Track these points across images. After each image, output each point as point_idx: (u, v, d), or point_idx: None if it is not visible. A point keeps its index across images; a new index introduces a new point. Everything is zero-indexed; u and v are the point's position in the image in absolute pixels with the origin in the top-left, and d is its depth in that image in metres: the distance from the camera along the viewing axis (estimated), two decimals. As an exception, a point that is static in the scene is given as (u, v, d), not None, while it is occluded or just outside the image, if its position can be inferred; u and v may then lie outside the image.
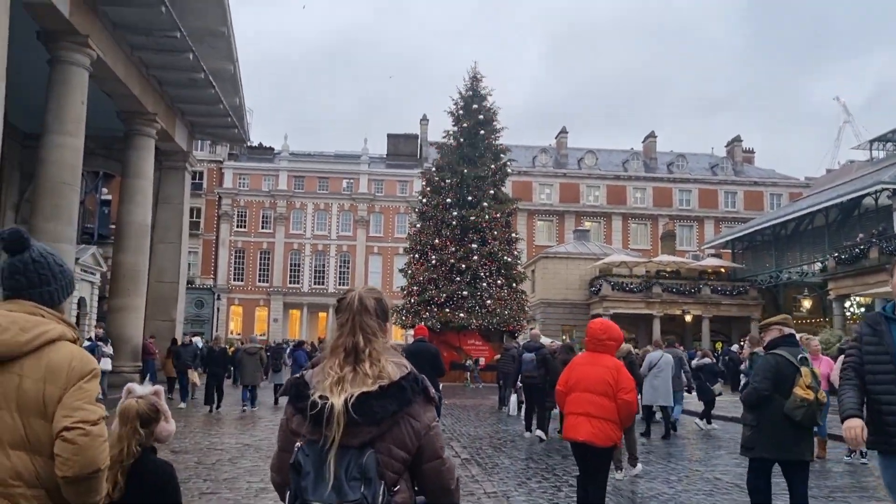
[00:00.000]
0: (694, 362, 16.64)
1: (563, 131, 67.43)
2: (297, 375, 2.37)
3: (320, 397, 2.19)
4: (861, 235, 31.30)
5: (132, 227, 22.49)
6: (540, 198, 61.73)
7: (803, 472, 5.84)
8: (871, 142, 41.42)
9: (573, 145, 67.15)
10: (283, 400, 2.42)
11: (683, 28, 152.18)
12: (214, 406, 18.37)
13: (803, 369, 5.72)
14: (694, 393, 16.15)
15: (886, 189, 31.40)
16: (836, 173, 64.17)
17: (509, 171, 34.52)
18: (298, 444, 2.20)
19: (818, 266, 38.48)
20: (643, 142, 68.44)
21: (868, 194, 32.40)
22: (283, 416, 2.37)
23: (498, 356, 20.83)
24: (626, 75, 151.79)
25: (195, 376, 21.08)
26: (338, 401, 2.15)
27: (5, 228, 2.62)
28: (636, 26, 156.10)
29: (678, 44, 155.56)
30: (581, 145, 67.28)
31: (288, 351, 27.76)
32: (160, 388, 3.16)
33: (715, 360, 19.49)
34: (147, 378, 17.80)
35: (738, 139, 68.97)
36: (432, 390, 2.36)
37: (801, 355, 5.86)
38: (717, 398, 15.71)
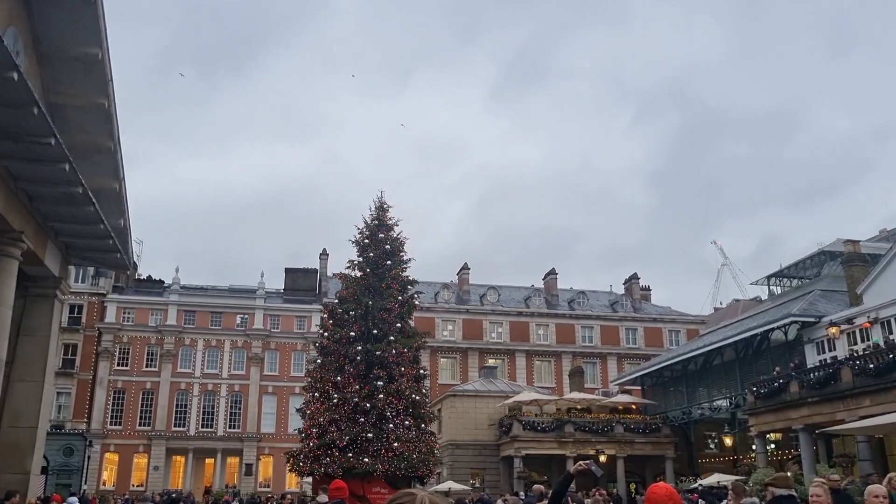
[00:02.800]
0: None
1: (465, 268, 66.95)
2: None
3: None
4: (777, 369, 30.87)
5: (-18, 361, 19.24)
6: (443, 334, 60.21)
7: None
8: (769, 277, 42.32)
9: (475, 282, 66.58)
10: None
11: (600, 189, 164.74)
12: None
13: None
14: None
15: (796, 322, 31.46)
16: (724, 311, 66.03)
17: (417, 303, 32.80)
18: None
19: (727, 402, 37.92)
20: (544, 279, 68.70)
21: (778, 327, 32.37)
22: None
23: None
24: (541, 228, 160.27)
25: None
26: None
27: None
28: (558, 185, 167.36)
29: (594, 202, 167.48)
30: (483, 282, 66.82)
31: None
32: None
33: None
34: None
35: (635, 276, 70.27)
36: None
37: None
38: None
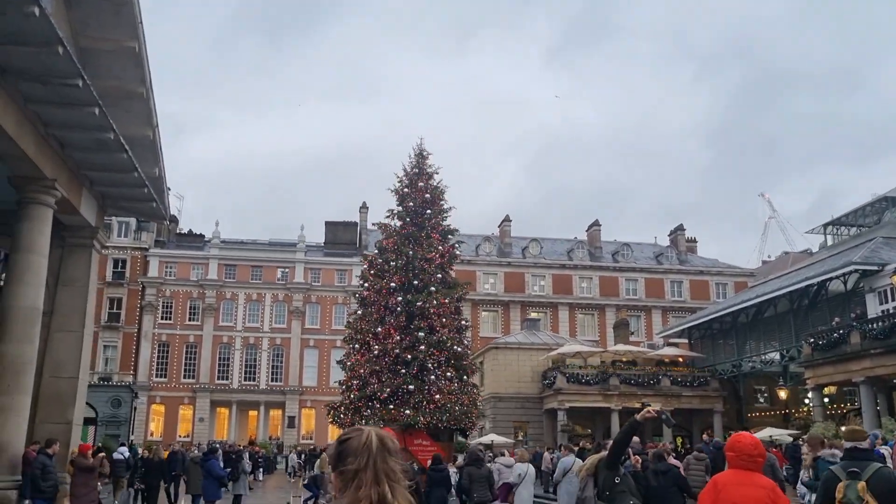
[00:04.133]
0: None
1: (507, 220, 65.93)
2: None
3: None
4: (837, 319, 29.50)
5: (19, 311, 18.88)
6: (484, 287, 59.53)
7: None
8: (825, 225, 40.64)
9: (517, 234, 65.56)
10: None
11: (656, 148, 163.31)
12: None
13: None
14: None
15: (856, 271, 29.96)
16: (773, 264, 64.07)
17: (458, 252, 32.02)
18: None
19: (779, 355, 36.67)
20: (587, 231, 67.43)
21: (837, 276, 30.92)
22: None
23: (460, 464, 16.74)
24: (595, 186, 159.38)
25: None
26: None
27: None
28: (614, 144, 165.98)
29: (649, 161, 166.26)
30: (524, 234, 65.78)
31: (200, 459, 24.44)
32: None
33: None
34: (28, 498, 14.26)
35: (681, 228, 68.58)
36: None
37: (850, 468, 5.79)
38: None
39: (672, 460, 14.77)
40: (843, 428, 20.37)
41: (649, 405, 6.56)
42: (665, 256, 64.70)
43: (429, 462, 26.84)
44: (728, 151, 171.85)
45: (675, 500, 9.67)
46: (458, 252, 32.01)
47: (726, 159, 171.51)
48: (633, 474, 6.81)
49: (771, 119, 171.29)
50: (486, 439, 33.21)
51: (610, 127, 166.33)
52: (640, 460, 7.01)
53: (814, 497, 8.91)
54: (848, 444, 6.10)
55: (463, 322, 30.77)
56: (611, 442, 6.89)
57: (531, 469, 14.15)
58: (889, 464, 8.78)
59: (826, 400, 32.00)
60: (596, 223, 66.92)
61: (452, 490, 14.37)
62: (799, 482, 9.81)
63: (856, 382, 26.87)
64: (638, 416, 6.41)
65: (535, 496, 15.89)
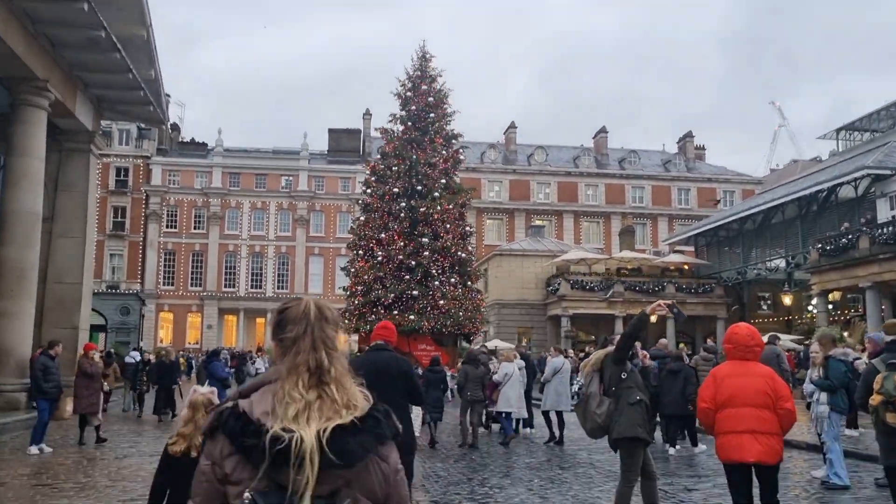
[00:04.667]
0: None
1: (512, 126, 64.86)
2: (230, 405, 1.87)
3: (283, 430, 1.75)
4: (846, 225, 29.10)
5: (18, 216, 18.77)
6: (489, 195, 59.08)
7: None
8: (838, 130, 39.78)
9: (522, 141, 64.63)
10: None
11: (671, 57, 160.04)
12: (170, 416, 17.98)
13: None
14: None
15: (868, 175, 29.37)
16: (781, 173, 63.13)
17: (462, 157, 31.52)
18: (248, 495, 1.71)
19: (785, 261, 36.53)
20: (594, 138, 66.43)
21: (849, 181, 30.36)
22: (202, 461, 1.83)
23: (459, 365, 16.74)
24: (606, 95, 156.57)
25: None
26: (309, 434, 1.75)
27: None
28: (628, 53, 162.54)
29: (663, 70, 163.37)
30: (530, 141, 64.85)
31: (202, 362, 24.84)
32: (214, 388, 4.71)
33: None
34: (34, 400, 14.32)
35: (689, 135, 67.44)
36: (398, 423, 1.96)
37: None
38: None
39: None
40: (845, 334, 20.38)
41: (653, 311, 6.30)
42: (673, 164, 63.90)
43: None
44: (743, 60, 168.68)
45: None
46: (462, 157, 31.51)
47: (740, 68, 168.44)
48: (640, 371, 6.63)
49: (787, 27, 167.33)
50: (490, 345, 33.48)
51: (624, 36, 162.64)
52: (648, 355, 6.90)
53: (822, 396, 8.86)
54: (889, 338, 6.28)
55: (467, 228, 30.57)
56: (618, 336, 6.64)
57: (517, 370, 14.38)
58: None
59: (830, 306, 31.99)
60: (603, 130, 65.84)
61: (449, 393, 14.59)
62: (807, 380, 9.67)
63: (862, 288, 26.71)
64: (648, 310, 6.19)
65: (536, 399, 16.01)
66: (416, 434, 8.00)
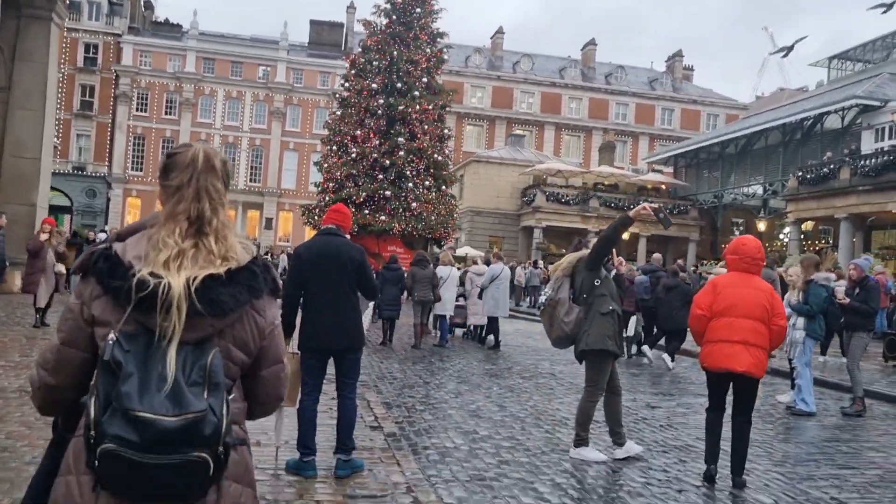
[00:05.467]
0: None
1: (500, 31, 62.94)
2: (103, 246, 1.84)
3: (151, 275, 1.73)
4: (829, 154, 28.69)
5: (-31, 81, 17.64)
6: (471, 101, 57.80)
7: None
8: (830, 59, 38.91)
9: (509, 48, 62.85)
10: None
11: None
12: None
13: None
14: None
15: (857, 105, 28.83)
16: (767, 100, 62.35)
17: (446, 57, 30.40)
18: (112, 336, 1.70)
19: (762, 188, 36.30)
20: (582, 49, 64.78)
21: (836, 110, 29.82)
22: (72, 298, 1.82)
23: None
24: (607, 12, 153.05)
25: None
26: (177, 282, 1.73)
27: None
28: None
29: None
30: (517, 49, 63.10)
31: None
32: None
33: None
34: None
35: (679, 54, 66.01)
36: (279, 280, 1.99)
37: None
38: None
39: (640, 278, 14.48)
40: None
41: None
42: (659, 82, 62.76)
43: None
44: None
45: (681, 314, 10.27)
46: (446, 57, 30.42)
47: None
48: (615, 278, 6.09)
49: None
50: (461, 252, 33.18)
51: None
52: (624, 261, 6.42)
53: (799, 321, 8.55)
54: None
55: (445, 131, 29.82)
56: (593, 239, 6.11)
57: (454, 272, 14.47)
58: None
59: (802, 236, 31.94)
60: (592, 42, 64.13)
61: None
62: (785, 304, 9.33)
63: (837, 219, 26.54)
64: (631, 213, 5.67)
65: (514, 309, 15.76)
66: (366, 329, 7.62)
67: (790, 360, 8.90)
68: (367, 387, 8.24)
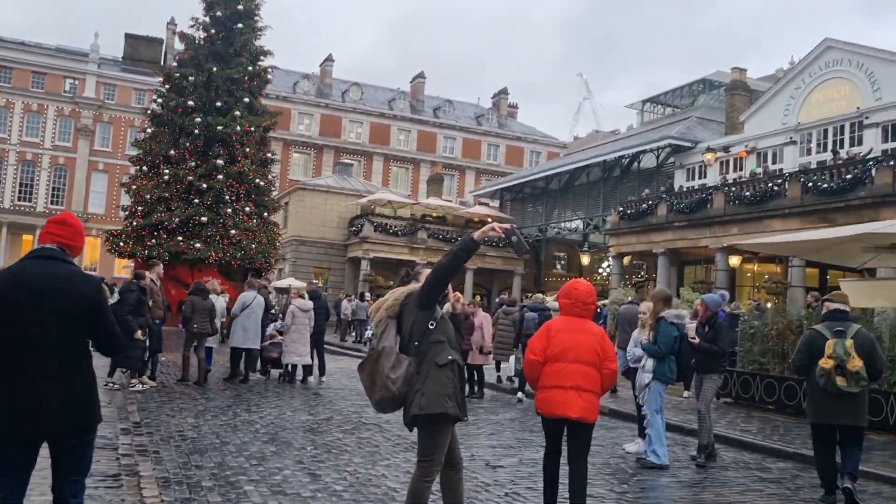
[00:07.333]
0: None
1: (329, 59, 61.79)
2: None
3: None
4: (647, 191, 29.78)
5: None
6: (298, 128, 56.11)
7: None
8: (644, 101, 41.07)
9: (338, 76, 61.83)
10: None
11: (516, 29, 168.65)
12: None
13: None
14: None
15: (671, 146, 30.32)
16: (583, 141, 65.39)
17: (270, 77, 28.84)
18: None
19: (583, 223, 37.32)
20: (411, 82, 64.92)
21: (653, 149, 31.22)
22: None
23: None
24: (449, 59, 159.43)
25: None
26: None
27: None
28: (480, 20, 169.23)
29: (507, 41, 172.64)
30: (347, 77, 62.24)
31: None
32: None
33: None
34: None
35: (504, 91, 67.83)
36: None
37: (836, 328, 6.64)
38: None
39: (481, 313, 13.87)
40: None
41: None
42: (486, 118, 64.03)
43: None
44: (578, 45, 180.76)
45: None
46: (270, 77, 28.86)
47: (570, 54, 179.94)
48: (452, 318, 4.97)
49: (621, 20, 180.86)
50: (284, 283, 31.42)
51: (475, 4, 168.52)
52: (460, 297, 5.42)
53: (649, 362, 7.90)
54: (833, 306, 6.93)
55: (269, 155, 28.20)
56: (426, 270, 4.90)
57: (259, 299, 13.52)
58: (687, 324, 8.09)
59: (621, 270, 32.98)
60: (421, 75, 64.43)
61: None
62: (632, 344, 8.69)
63: (655, 253, 27.46)
64: (476, 234, 4.58)
65: (329, 343, 14.55)
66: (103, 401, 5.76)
67: (639, 406, 8.26)
68: (146, 454, 6.63)
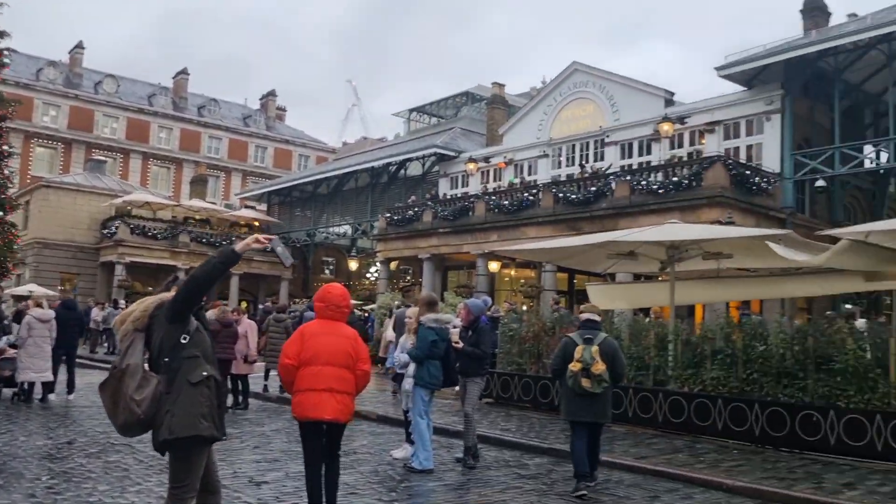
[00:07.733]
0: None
1: (80, 46, 57.03)
2: None
3: None
4: (413, 198, 30.49)
5: None
6: (42, 119, 51.15)
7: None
8: (411, 110, 42.14)
9: (90, 66, 57.19)
10: None
11: (290, 35, 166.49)
12: None
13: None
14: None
15: (436, 154, 31.34)
16: (352, 147, 66.11)
17: (7, 61, 25.94)
18: None
19: (352, 228, 37.50)
20: (174, 77, 61.63)
21: (419, 157, 32.06)
22: None
23: None
24: (220, 60, 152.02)
25: None
26: None
27: None
28: (236, 17, 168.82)
29: (281, 45, 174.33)
30: (102, 68, 57.77)
31: None
32: None
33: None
34: None
35: (273, 94, 66.72)
36: None
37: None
38: None
39: (245, 320, 13.41)
40: (506, 301, 21.53)
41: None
42: (253, 119, 62.38)
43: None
44: (348, 54, 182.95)
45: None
46: (7, 61, 25.94)
47: (345, 60, 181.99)
48: (213, 331, 4.65)
49: (391, 33, 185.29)
50: (24, 289, 28.41)
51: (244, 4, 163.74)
52: (222, 306, 5.05)
53: (412, 367, 7.99)
54: (584, 317, 7.66)
55: (4, 148, 25.34)
56: (182, 278, 4.58)
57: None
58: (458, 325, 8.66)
59: (389, 275, 33.54)
60: (184, 71, 61.39)
61: None
62: (399, 350, 8.75)
63: (422, 258, 28.21)
64: (238, 246, 4.33)
65: (78, 355, 13.33)
66: None
67: (405, 412, 8.34)
68: None
